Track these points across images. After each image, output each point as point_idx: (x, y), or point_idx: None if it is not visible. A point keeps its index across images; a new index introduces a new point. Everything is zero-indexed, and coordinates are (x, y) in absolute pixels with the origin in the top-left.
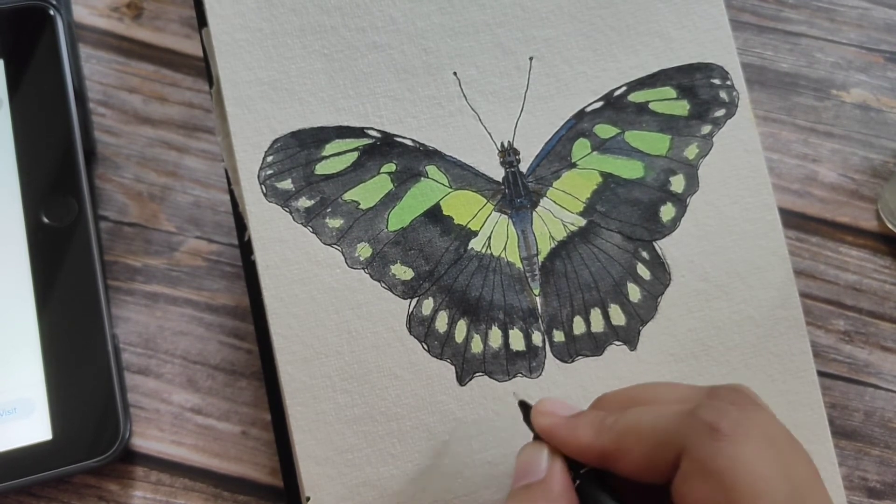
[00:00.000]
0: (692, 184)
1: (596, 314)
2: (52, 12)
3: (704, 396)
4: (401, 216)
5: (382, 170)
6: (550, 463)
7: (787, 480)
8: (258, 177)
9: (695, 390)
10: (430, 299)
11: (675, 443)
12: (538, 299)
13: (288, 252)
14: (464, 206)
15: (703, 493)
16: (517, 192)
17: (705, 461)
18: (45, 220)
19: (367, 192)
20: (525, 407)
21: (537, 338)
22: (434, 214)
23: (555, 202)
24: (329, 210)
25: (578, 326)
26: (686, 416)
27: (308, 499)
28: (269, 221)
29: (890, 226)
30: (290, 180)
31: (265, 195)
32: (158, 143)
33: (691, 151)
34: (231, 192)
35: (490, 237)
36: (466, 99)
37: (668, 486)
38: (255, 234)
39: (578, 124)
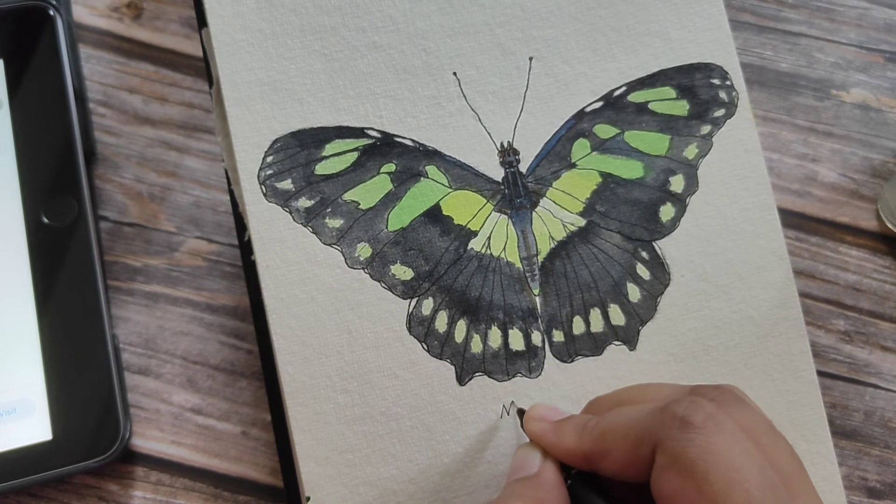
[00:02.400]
0: (692, 184)
1: (595, 314)
2: (52, 12)
3: (685, 394)
4: (401, 216)
5: (382, 170)
6: (543, 462)
7: (763, 471)
8: (258, 177)
9: (680, 389)
10: (430, 299)
11: (649, 438)
12: (538, 299)
13: (288, 252)
14: (463, 207)
15: (677, 485)
16: (517, 192)
17: (677, 453)
18: (45, 220)
19: (367, 193)
20: (521, 413)
21: (537, 338)
22: (434, 214)
23: (554, 202)
24: (329, 210)
25: (578, 326)
26: (660, 411)
27: (308, 499)
28: (269, 221)
29: (890, 226)
30: (290, 180)
31: (265, 195)
32: (158, 143)
33: (691, 151)
34: (231, 192)
35: (490, 237)
36: (466, 99)
37: None
38: (255, 234)
39: (578, 124)
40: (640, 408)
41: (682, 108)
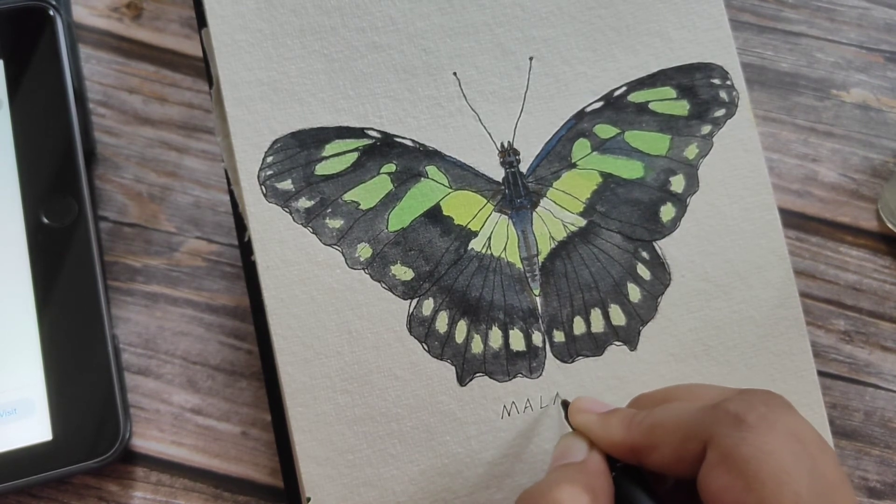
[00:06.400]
0: (692, 184)
1: (596, 314)
2: (52, 12)
3: (736, 394)
4: (401, 216)
5: (382, 170)
6: (589, 451)
7: (812, 476)
8: (258, 177)
9: (727, 390)
10: (431, 300)
11: (701, 434)
12: (538, 299)
13: (288, 252)
14: (464, 207)
15: (726, 482)
16: (517, 193)
17: (729, 450)
18: (45, 220)
19: (367, 193)
20: (566, 406)
21: (537, 338)
22: (434, 215)
23: (555, 202)
24: (329, 210)
25: (578, 326)
26: (713, 408)
27: (308, 499)
28: (269, 222)
29: (890, 226)
30: (290, 181)
31: (265, 195)
32: (158, 144)
33: (691, 151)
34: (231, 193)
35: (490, 237)
36: (466, 99)
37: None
38: (255, 234)
39: (578, 124)
40: (690, 404)
41: (682, 107)
